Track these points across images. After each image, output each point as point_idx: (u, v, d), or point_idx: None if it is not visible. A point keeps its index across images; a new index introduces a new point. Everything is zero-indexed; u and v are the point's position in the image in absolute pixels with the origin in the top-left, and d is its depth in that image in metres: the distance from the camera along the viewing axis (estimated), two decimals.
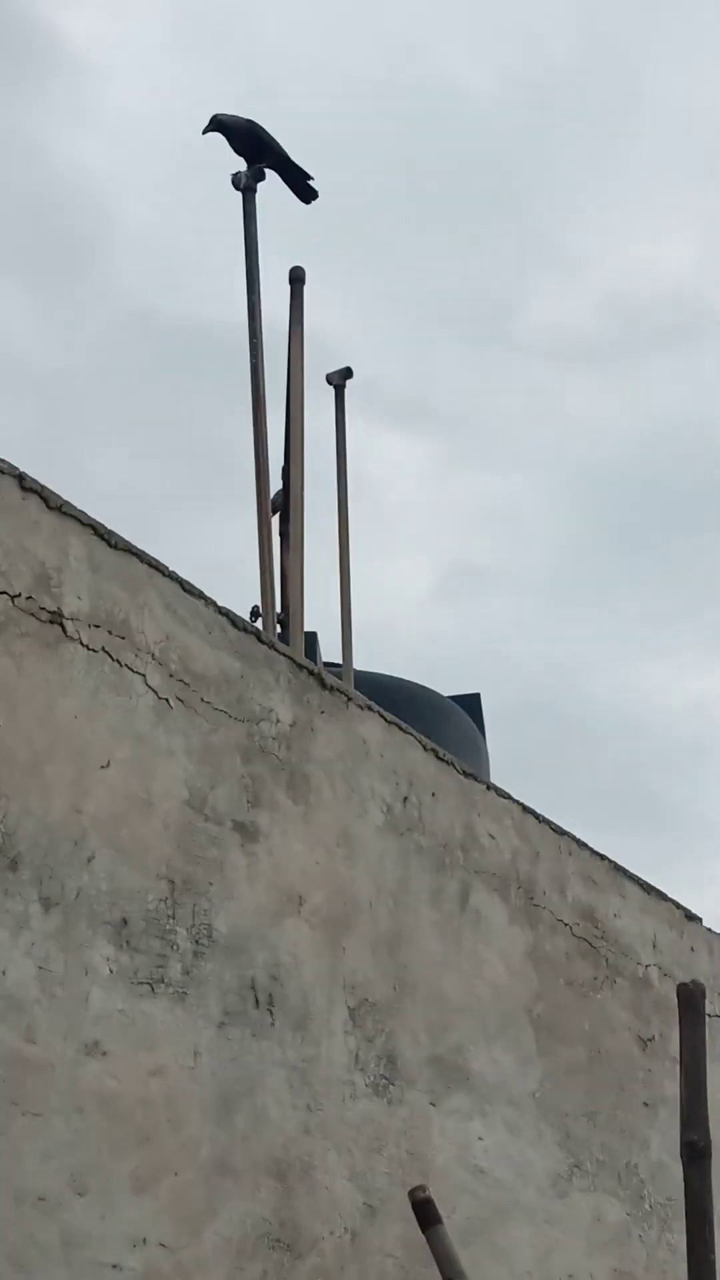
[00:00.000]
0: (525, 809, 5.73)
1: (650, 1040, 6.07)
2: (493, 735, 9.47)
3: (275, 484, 6.26)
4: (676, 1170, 4.37)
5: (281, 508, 6.27)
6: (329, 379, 6.94)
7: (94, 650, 4.08)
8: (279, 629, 5.95)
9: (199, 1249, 4.03)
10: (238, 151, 6.34)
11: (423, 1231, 4.41)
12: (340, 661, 6.74)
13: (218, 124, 6.33)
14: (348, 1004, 4.69)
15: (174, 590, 4.36)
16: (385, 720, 5.12)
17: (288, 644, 5.42)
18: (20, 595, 3.90)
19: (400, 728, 5.19)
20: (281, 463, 6.33)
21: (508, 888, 5.52)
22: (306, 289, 6.58)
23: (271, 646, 4.71)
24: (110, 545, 4.18)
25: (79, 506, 4.11)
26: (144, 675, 4.21)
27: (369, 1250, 4.56)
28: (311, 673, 4.85)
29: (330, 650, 7.18)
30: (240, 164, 6.37)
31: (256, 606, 5.96)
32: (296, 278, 6.58)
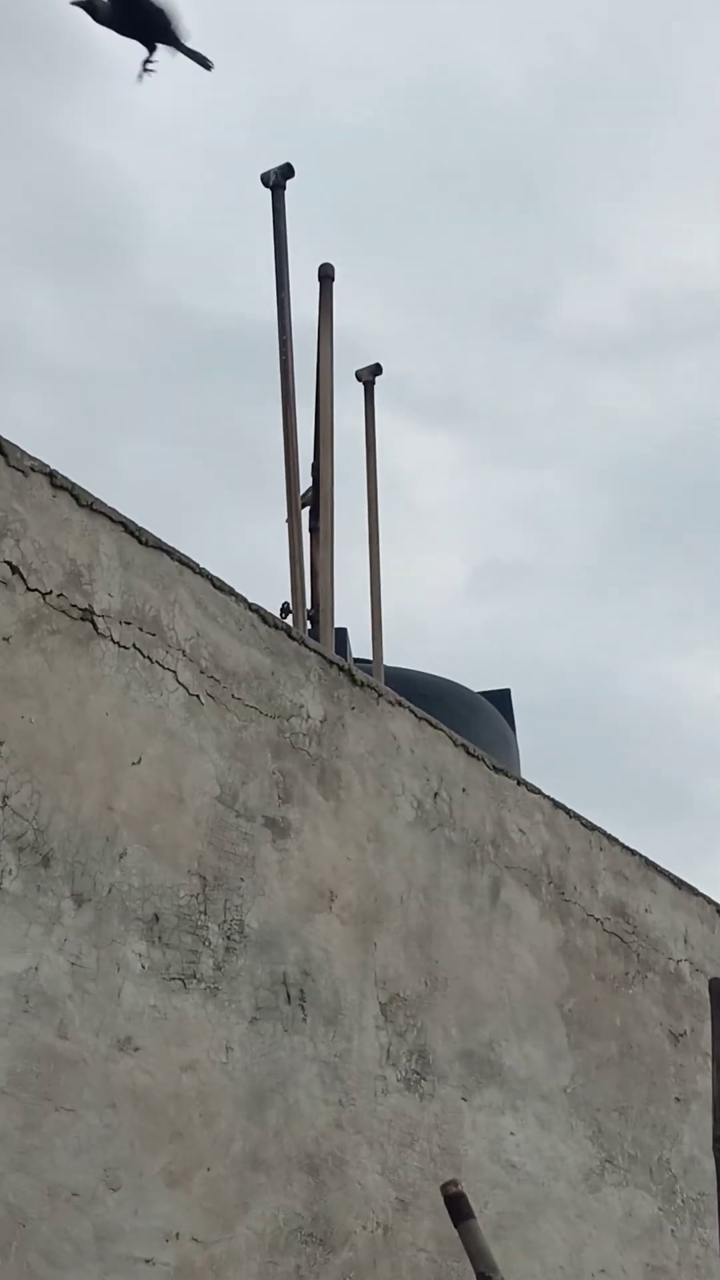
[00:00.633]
0: (556, 804, 5.73)
1: (681, 1035, 6.07)
2: (523, 731, 9.47)
3: (305, 480, 6.28)
4: (709, 1165, 4.38)
5: (311, 504, 6.28)
6: (358, 375, 6.96)
7: (125, 647, 4.09)
8: (309, 625, 5.97)
9: (232, 1243, 4.04)
10: (119, 30, 6.05)
11: (455, 1226, 4.41)
12: (370, 657, 6.75)
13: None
14: (379, 999, 4.70)
15: (204, 587, 4.37)
16: (416, 716, 5.13)
17: (318, 640, 5.43)
18: (52, 593, 3.92)
19: (431, 723, 5.19)
20: (311, 459, 6.34)
21: (538, 883, 5.52)
22: (336, 285, 6.60)
23: (302, 642, 4.72)
24: (141, 542, 4.19)
25: (109, 504, 4.12)
26: (175, 672, 4.22)
27: (401, 1245, 4.57)
28: (342, 669, 4.86)
29: (360, 646, 7.19)
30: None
31: (287, 603, 5.97)
32: (326, 274, 6.59)
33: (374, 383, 6.98)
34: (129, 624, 4.12)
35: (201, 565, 4.38)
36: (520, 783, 5.62)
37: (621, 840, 6.07)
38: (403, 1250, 4.57)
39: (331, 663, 4.82)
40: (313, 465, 6.32)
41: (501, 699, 9.31)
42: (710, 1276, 5.75)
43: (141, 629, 4.15)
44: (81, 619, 3.99)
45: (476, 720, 8.22)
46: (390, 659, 7.04)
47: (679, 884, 6.34)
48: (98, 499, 4.08)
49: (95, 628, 4.02)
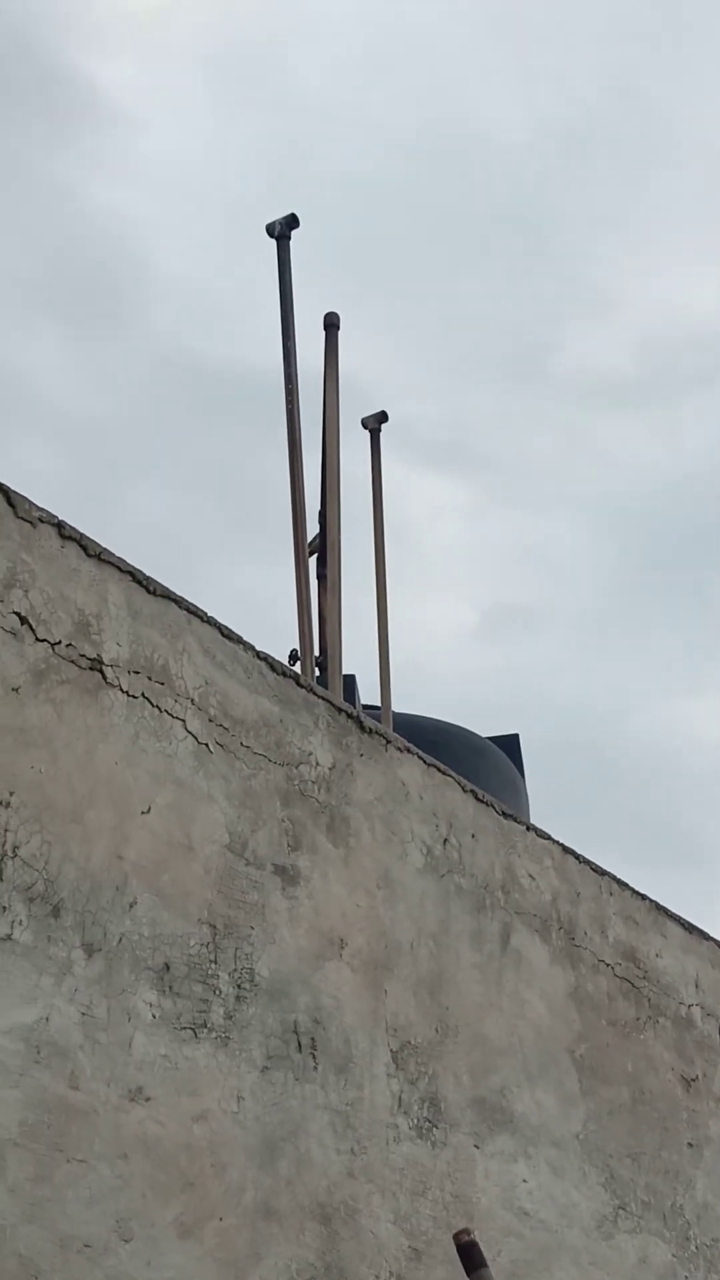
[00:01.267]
0: (565, 849, 5.73)
1: (694, 1080, 6.05)
2: (532, 775, 9.48)
3: (313, 527, 6.30)
4: None
5: (319, 550, 6.30)
6: (364, 423, 6.99)
7: (134, 696, 4.10)
8: (318, 672, 5.98)
9: None
10: None
11: (468, 1275, 4.40)
12: (379, 703, 6.76)
13: None
14: (390, 1046, 4.69)
15: (212, 635, 4.39)
16: (424, 762, 5.13)
17: (326, 687, 5.44)
18: (60, 642, 3.93)
19: (439, 769, 5.20)
20: (318, 505, 6.36)
21: (549, 928, 5.52)
22: (341, 334, 6.64)
23: (310, 690, 4.73)
24: (149, 591, 4.21)
25: (117, 553, 4.14)
26: (184, 720, 4.23)
27: None
28: (350, 715, 4.87)
29: (369, 692, 7.20)
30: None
31: (295, 650, 5.99)
32: (331, 323, 6.64)
33: (380, 430, 7.02)
34: (137, 673, 4.13)
35: (209, 614, 4.39)
36: (529, 828, 5.62)
37: (631, 885, 6.07)
38: None
39: (340, 710, 4.83)
40: (320, 512, 6.35)
41: (510, 744, 9.32)
42: None
43: (150, 678, 4.16)
44: (90, 669, 4.00)
45: (485, 765, 8.23)
46: (398, 704, 7.05)
47: (690, 928, 6.33)
48: (106, 549, 4.10)
49: (104, 677, 4.03)
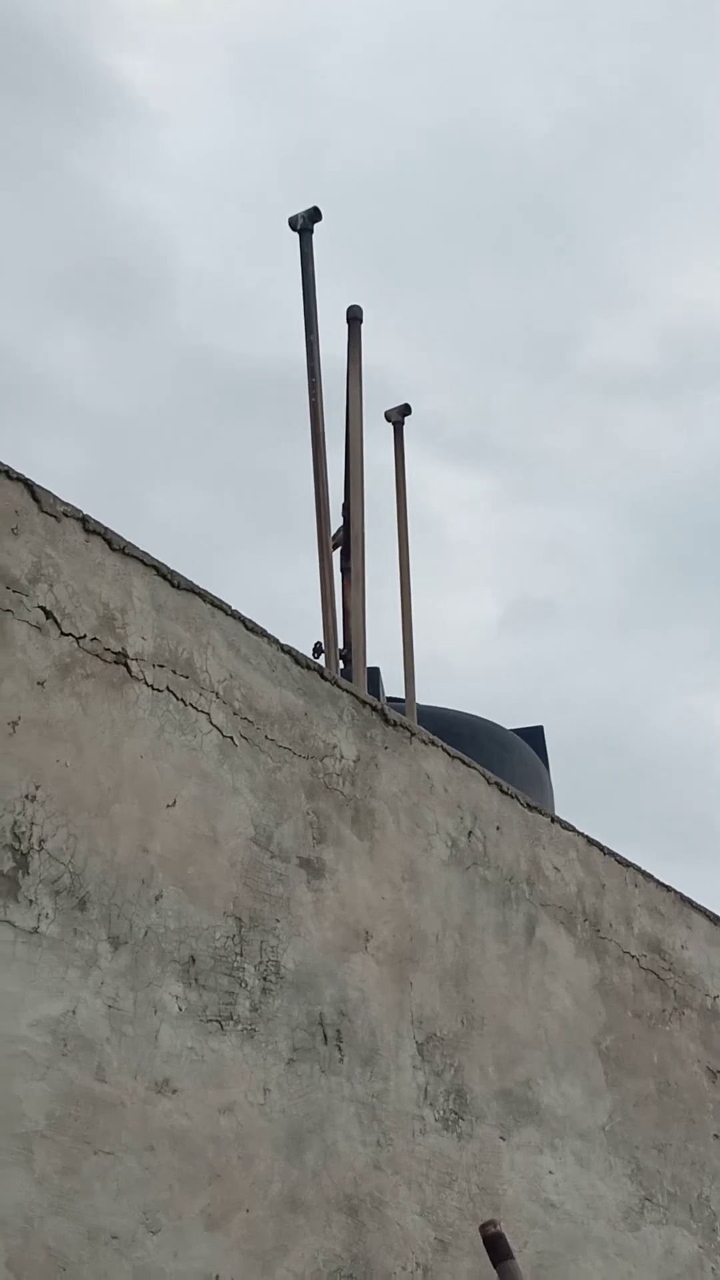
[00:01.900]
0: (590, 841, 5.73)
1: (719, 1071, 6.05)
2: (556, 768, 9.48)
3: (336, 521, 6.30)
4: None
5: (343, 544, 6.31)
6: (388, 416, 6.99)
7: (159, 690, 4.11)
8: (341, 665, 5.98)
9: None
10: None
11: (494, 1266, 4.41)
12: (403, 696, 6.76)
13: None
14: (416, 1039, 4.70)
15: (237, 629, 4.39)
16: (449, 754, 5.14)
17: (350, 680, 5.45)
18: (85, 637, 3.94)
19: (464, 762, 5.20)
20: (342, 499, 6.37)
21: (574, 920, 5.52)
22: (364, 327, 6.64)
23: (334, 683, 4.73)
24: (173, 585, 4.22)
25: (141, 547, 4.15)
26: (208, 714, 4.24)
27: None
28: (374, 708, 4.87)
29: (393, 685, 7.20)
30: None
31: (319, 643, 5.99)
32: (354, 316, 6.64)
33: (403, 423, 7.01)
34: (162, 667, 4.14)
35: (233, 607, 4.40)
36: (554, 820, 5.62)
37: (657, 876, 6.07)
38: None
39: (364, 702, 4.83)
40: (343, 506, 6.35)
41: (534, 736, 9.32)
42: None
43: (175, 672, 4.17)
44: (115, 663, 4.01)
45: (510, 758, 8.23)
46: (423, 697, 7.05)
47: (715, 920, 6.33)
48: (130, 543, 4.11)
49: (129, 671, 4.04)
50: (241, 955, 4.17)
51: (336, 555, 6.33)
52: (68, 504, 3.98)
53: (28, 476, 3.89)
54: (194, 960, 4.02)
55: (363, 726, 4.79)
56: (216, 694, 4.28)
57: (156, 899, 3.95)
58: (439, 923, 4.90)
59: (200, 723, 4.21)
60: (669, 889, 6.10)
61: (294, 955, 4.34)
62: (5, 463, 3.84)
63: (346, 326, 6.67)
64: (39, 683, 3.80)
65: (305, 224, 6.41)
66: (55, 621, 3.87)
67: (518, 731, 9.26)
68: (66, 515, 3.97)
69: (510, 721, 9.40)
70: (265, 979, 4.22)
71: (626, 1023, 5.66)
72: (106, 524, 4.08)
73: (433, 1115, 4.69)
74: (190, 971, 4.01)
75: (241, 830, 4.26)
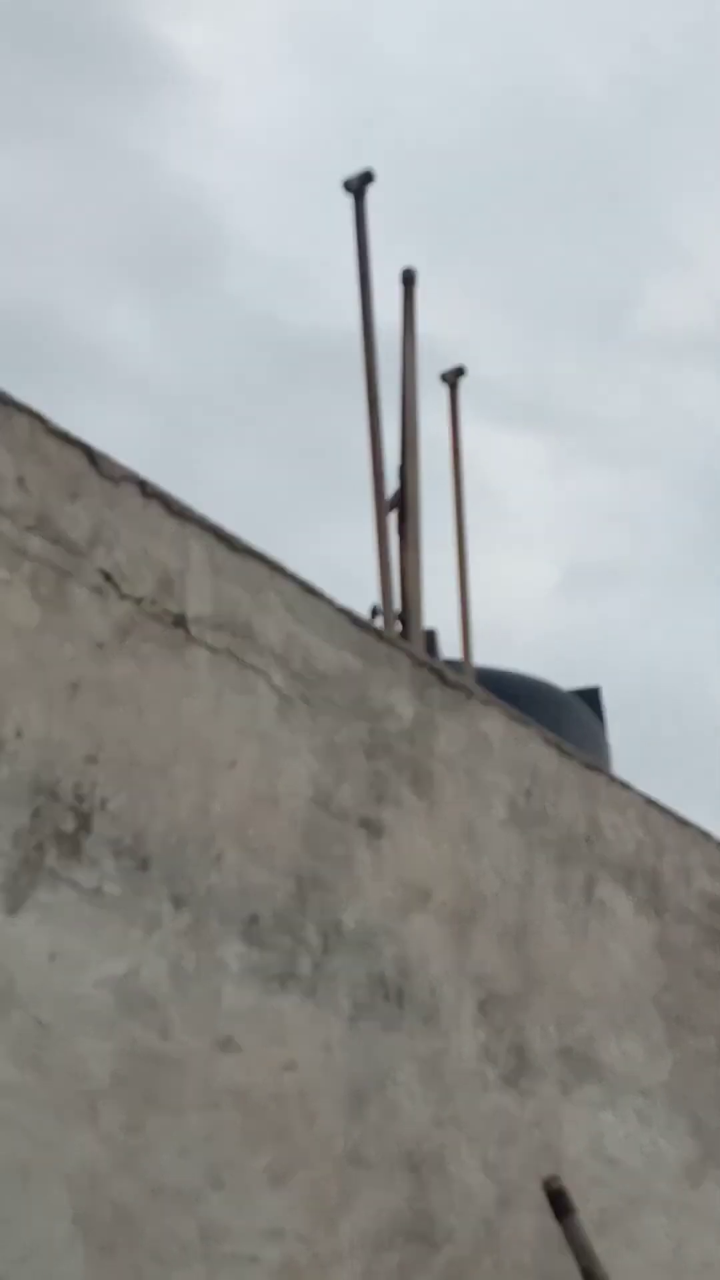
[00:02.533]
0: (649, 800, 5.73)
1: None
2: (614, 730, 9.47)
3: (392, 484, 6.31)
4: None
5: (399, 507, 6.31)
6: (443, 377, 6.99)
7: (217, 652, 4.13)
8: (399, 627, 5.99)
9: (335, 1241, 4.07)
10: None
11: (557, 1221, 4.44)
12: (460, 658, 6.77)
13: None
14: (476, 997, 4.72)
15: (295, 591, 4.40)
16: (507, 715, 5.14)
17: (408, 641, 5.46)
18: (144, 599, 3.96)
19: (522, 722, 5.21)
20: (398, 463, 6.37)
21: (633, 879, 5.53)
22: (419, 290, 6.63)
23: (392, 644, 4.74)
24: (231, 548, 4.23)
25: (199, 511, 4.16)
26: (267, 675, 4.26)
27: (504, 1241, 4.59)
28: (432, 669, 4.88)
29: (450, 648, 7.21)
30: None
31: (376, 605, 6.01)
32: (409, 279, 6.63)
33: (458, 384, 7.01)
34: (221, 629, 4.15)
35: (291, 569, 4.41)
36: (613, 780, 5.62)
37: (716, 836, 6.07)
38: (506, 1246, 4.59)
39: (422, 663, 4.84)
40: (399, 469, 6.35)
41: (591, 697, 9.32)
42: None
43: (233, 634, 4.18)
44: (174, 625, 4.03)
45: (567, 718, 8.23)
46: (480, 660, 7.07)
47: None
48: (188, 506, 4.12)
49: (188, 633, 4.06)
50: (303, 914, 4.19)
51: (393, 518, 6.33)
52: (125, 467, 3.99)
53: (84, 440, 3.91)
54: (255, 919, 4.05)
55: (420, 687, 4.80)
56: (275, 655, 4.29)
57: (217, 859, 3.98)
58: (498, 882, 4.92)
59: (259, 684, 4.23)
60: None
61: (354, 914, 4.36)
62: (63, 428, 3.86)
63: (401, 289, 6.67)
64: (98, 645, 3.82)
65: (359, 185, 6.40)
66: (114, 584, 3.90)
67: (575, 692, 9.25)
68: (124, 479, 3.98)
69: (567, 683, 9.40)
70: (326, 938, 4.24)
71: (687, 981, 5.67)
72: (164, 488, 4.09)
73: (494, 1073, 4.72)
74: (252, 931, 4.03)
75: (301, 791, 4.28)
